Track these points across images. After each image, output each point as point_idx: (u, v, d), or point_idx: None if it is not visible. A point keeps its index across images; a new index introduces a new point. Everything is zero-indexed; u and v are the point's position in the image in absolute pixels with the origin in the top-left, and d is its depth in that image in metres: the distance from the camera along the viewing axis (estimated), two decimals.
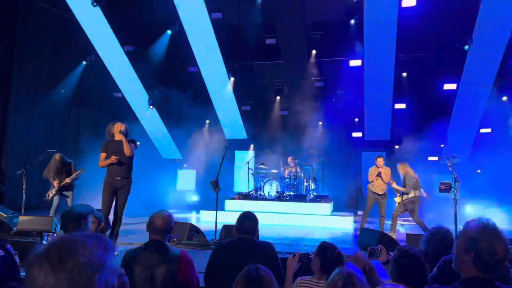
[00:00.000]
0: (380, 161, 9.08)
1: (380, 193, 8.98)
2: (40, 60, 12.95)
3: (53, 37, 12.96)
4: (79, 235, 1.14)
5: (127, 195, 6.25)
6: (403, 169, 8.94)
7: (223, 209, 11.43)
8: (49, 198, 7.98)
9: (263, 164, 12.69)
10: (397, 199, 8.96)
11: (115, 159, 6.04)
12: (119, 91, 14.32)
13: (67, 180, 7.90)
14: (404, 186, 8.72)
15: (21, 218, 7.21)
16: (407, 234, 6.98)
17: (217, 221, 7.87)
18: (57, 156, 8.11)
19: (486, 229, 1.94)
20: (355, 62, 13.03)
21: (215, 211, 8.03)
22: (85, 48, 13.81)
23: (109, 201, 6.10)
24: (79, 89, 14.57)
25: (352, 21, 12.52)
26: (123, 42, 13.01)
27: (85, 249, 1.09)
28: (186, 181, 16.29)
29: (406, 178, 8.76)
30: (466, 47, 11.73)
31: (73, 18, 12.35)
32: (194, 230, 7.33)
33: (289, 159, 12.41)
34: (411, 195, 8.61)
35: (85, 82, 14.67)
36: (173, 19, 12.80)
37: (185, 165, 16.31)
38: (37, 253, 1.08)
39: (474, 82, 12.01)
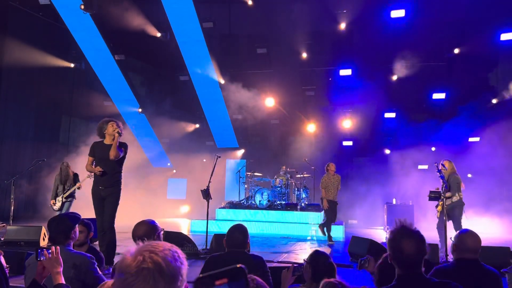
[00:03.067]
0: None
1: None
2: (29, 68, 12.86)
3: (43, 45, 12.89)
4: (164, 243, 1.22)
5: (114, 204, 5.86)
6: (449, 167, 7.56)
7: (214, 218, 11.40)
8: (57, 206, 7.97)
9: (254, 172, 12.68)
10: (439, 208, 7.37)
11: (99, 172, 5.76)
12: (110, 100, 14.26)
13: (78, 185, 7.99)
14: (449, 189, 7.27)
15: (9, 228, 7.13)
16: None
17: (208, 230, 7.85)
18: (66, 163, 8.30)
19: (396, 229, 2.11)
20: (345, 72, 13.15)
21: (206, 220, 8.02)
22: (76, 56, 13.76)
23: (100, 211, 5.87)
24: (69, 98, 14.48)
25: (342, 31, 12.65)
26: (114, 51, 13.00)
27: (179, 257, 1.19)
28: (177, 190, 16.19)
29: (450, 178, 7.37)
30: (456, 50, 11.91)
31: (64, 27, 12.33)
32: (185, 240, 7.29)
33: (283, 168, 12.39)
34: (455, 198, 7.24)
35: (75, 91, 14.59)
36: (164, 28, 12.83)
37: (174, 171, 16.23)
38: (140, 263, 1.12)
39: (462, 91, 12.19)
